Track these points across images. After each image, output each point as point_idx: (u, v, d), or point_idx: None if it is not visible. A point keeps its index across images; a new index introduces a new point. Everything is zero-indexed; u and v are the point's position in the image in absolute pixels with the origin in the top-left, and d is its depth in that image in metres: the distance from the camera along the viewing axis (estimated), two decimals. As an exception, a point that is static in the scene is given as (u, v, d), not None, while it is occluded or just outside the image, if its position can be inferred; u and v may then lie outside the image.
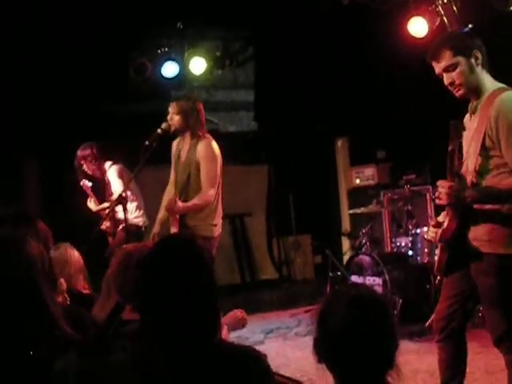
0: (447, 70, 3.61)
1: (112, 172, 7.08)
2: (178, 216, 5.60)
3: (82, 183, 7.08)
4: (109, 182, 7.10)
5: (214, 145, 5.64)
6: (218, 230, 5.68)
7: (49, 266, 2.52)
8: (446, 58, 3.59)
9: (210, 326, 2.17)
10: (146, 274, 2.21)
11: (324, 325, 2.10)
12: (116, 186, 6.90)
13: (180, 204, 5.45)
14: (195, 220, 5.59)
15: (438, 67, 3.66)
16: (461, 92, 3.63)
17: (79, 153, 7.07)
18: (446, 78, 3.63)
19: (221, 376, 2.08)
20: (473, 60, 3.59)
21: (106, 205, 6.91)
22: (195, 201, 5.53)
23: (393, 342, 2.08)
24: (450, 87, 3.65)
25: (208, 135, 5.71)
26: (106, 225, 7.03)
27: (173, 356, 2.10)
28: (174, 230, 5.63)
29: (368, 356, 2.03)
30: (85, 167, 7.09)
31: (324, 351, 2.09)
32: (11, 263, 2.24)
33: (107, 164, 7.15)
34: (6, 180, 7.90)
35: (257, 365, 2.15)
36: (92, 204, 7.08)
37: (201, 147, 5.56)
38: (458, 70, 3.58)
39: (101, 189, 7.25)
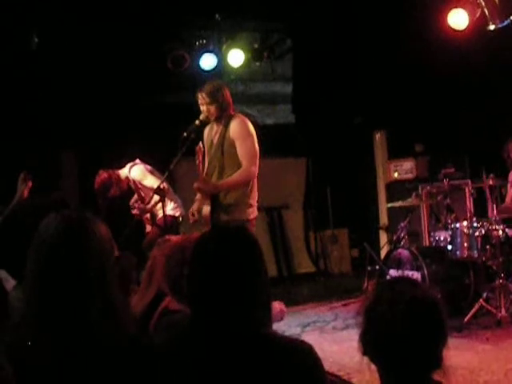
0: None
1: (137, 172, 7.01)
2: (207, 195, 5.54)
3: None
4: (137, 186, 7.07)
5: (248, 122, 5.59)
6: (253, 213, 5.58)
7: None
8: None
9: (263, 315, 2.15)
10: (201, 262, 2.17)
11: (373, 320, 2.06)
12: (151, 182, 6.79)
13: (215, 182, 5.45)
14: (230, 200, 5.48)
15: None
16: None
17: (102, 183, 6.94)
18: None
19: (272, 367, 2.06)
20: None
21: (156, 199, 6.71)
22: (235, 176, 5.45)
23: (443, 342, 2.05)
24: None
25: (240, 114, 5.69)
26: (148, 228, 7.11)
27: (224, 346, 2.08)
28: (206, 208, 5.54)
29: (418, 355, 2.00)
30: (111, 192, 6.99)
31: (371, 346, 2.06)
32: (83, 243, 2.13)
33: (125, 170, 7.08)
34: (45, 172, 7.97)
35: (307, 357, 2.15)
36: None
37: (234, 125, 5.51)
38: None
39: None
